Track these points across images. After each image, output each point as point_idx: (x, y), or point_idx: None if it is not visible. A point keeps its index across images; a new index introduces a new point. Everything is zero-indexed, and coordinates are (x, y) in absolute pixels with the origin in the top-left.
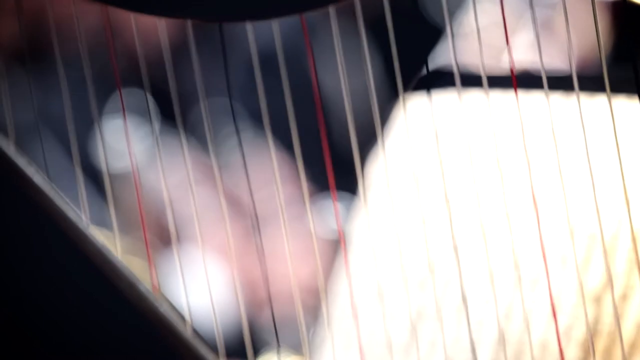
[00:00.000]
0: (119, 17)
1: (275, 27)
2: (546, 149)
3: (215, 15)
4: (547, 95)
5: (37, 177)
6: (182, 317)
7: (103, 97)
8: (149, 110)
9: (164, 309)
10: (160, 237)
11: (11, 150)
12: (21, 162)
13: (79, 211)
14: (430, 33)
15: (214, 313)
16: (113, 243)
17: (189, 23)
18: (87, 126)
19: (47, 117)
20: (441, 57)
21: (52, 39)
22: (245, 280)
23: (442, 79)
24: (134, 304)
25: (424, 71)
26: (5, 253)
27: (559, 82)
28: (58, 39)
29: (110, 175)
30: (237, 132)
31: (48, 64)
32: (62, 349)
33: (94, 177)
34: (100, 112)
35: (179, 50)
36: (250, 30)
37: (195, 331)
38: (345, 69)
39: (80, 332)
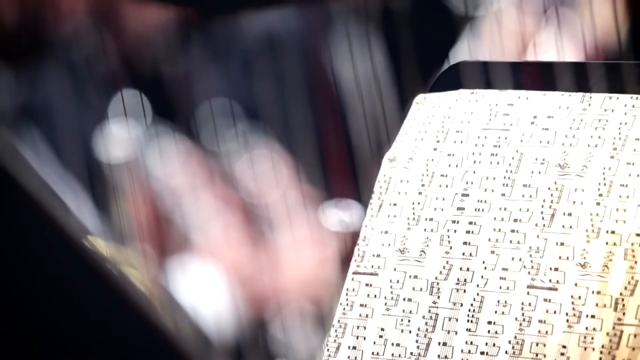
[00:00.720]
0: (117, 16)
1: (283, 25)
2: (567, 148)
3: (215, 4)
4: (567, 93)
5: (37, 181)
6: (188, 324)
7: (102, 102)
8: (144, 113)
9: (160, 313)
10: (163, 246)
11: (10, 152)
12: (21, 164)
13: (78, 219)
14: (451, 28)
15: (215, 317)
16: (111, 251)
17: (189, 26)
18: (87, 131)
19: (46, 123)
20: (461, 53)
21: (51, 39)
22: (252, 287)
23: (462, 76)
24: (130, 308)
25: (445, 67)
26: (5, 254)
27: (580, 80)
28: (57, 41)
29: (111, 183)
30: (244, 134)
31: (44, 66)
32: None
33: (94, 184)
34: (101, 117)
35: (179, 53)
36: (256, 29)
37: (201, 337)
38: (361, 67)
39: (76, 333)
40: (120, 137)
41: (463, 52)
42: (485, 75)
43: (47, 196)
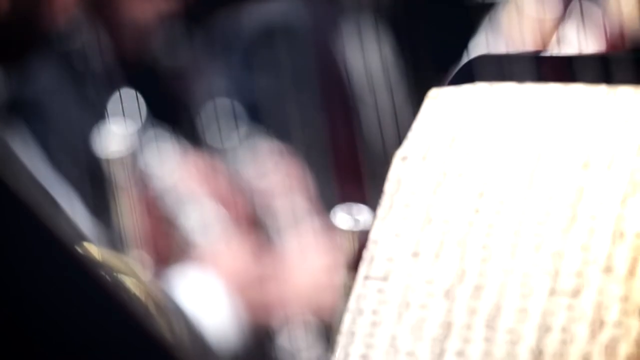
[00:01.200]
0: (113, 14)
1: (289, 18)
2: (590, 145)
3: None
4: (590, 87)
5: (29, 183)
6: (188, 333)
7: (98, 100)
8: (140, 112)
9: (158, 322)
10: (163, 252)
11: (1, 151)
12: (12, 163)
13: (72, 222)
14: (468, 16)
15: (218, 326)
16: (107, 257)
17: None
18: (83, 130)
19: (39, 121)
20: (480, 45)
21: (45, 33)
22: (255, 295)
23: (481, 70)
24: (126, 317)
25: (463, 60)
26: (5, 254)
27: (604, 73)
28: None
29: (108, 185)
30: (248, 134)
31: (37, 61)
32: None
33: (90, 185)
34: (98, 115)
35: (180, 47)
36: (260, 21)
37: (203, 347)
38: (374, 61)
39: (70, 340)
40: (116, 136)
41: (481, 44)
42: (505, 69)
43: (39, 198)
